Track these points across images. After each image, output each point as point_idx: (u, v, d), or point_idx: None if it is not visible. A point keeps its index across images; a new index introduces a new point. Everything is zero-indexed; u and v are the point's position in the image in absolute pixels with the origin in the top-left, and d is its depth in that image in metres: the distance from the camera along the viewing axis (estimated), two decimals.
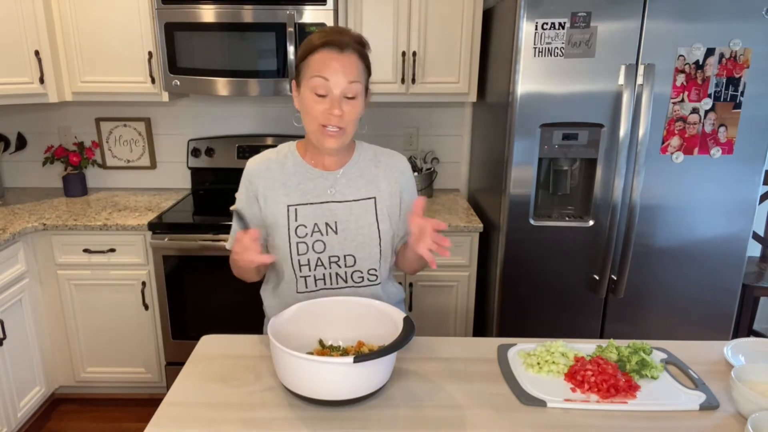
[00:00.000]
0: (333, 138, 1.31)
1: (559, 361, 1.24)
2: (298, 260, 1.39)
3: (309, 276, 1.40)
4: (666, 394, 1.17)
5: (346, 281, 1.42)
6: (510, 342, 1.37)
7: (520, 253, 2.16)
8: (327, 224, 1.39)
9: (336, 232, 1.39)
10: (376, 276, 1.43)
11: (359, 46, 1.31)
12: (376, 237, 1.41)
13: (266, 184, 1.40)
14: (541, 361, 1.25)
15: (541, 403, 1.13)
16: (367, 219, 1.41)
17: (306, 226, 1.39)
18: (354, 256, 1.40)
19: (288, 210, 1.39)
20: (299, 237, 1.38)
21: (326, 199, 1.40)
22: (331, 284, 1.42)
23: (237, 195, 1.45)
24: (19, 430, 2.40)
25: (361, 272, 1.42)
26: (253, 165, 1.43)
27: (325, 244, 1.39)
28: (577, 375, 1.20)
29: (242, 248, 1.22)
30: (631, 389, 1.17)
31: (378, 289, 1.45)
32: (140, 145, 2.96)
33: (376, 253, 1.41)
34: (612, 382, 1.16)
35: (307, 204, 1.39)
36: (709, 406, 1.13)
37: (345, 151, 1.43)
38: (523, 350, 1.32)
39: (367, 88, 1.36)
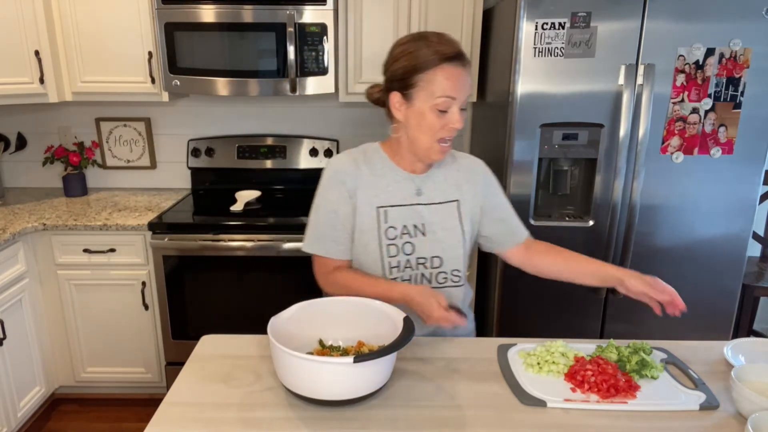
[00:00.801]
0: (446, 151, 1.34)
1: (559, 361, 1.24)
2: (389, 262, 1.39)
3: (397, 278, 1.41)
4: (666, 394, 1.17)
5: (430, 282, 1.43)
6: (510, 342, 1.37)
7: None
8: (415, 226, 1.40)
9: (424, 234, 1.40)
10: (459, 277, 1.45)
11: (466, 54, 1.31)
12: (460, 238, 1.42)
13: (358, 184, 1.39)
14: (541, 361, 1.25)
15: (541, 403, 1.13)
16: (451, 221, 1.42)
17: (395, 228, 1.39)
18: (440, 258, 1.41)
19: (378, 212, 1.39)
20: (389, 239, 1.39)
21: (413, 202, 1.41)
22: (415, 284, 1.42)
23: (324, 196, 1.41)
24: (19, 430, 2.40)
25: (446, 273, 1.43)
26: (342, 165, 1.41)
27: (413, 245, 1.40)
28: (577, 375, 1.20)
29: (446, 318, 1.24)
30: (631, 389, 1.17)
31: (460, 290, 1.47)
32: (140, 145, 2.96)
33: (460, 254, 1.43)
34: (612, 382, 1.16)
35: (396, 206, 1.40)
36: (709, 406, 1.13)
37: None
38: (523, 350, 1.32)
39: None
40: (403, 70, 1.29)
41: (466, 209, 1.44)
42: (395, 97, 1.33)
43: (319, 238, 1.42)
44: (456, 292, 1.46)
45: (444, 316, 1.25)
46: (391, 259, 1.39)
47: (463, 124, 1.31)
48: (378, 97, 1.43)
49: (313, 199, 1.44)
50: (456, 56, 1.26)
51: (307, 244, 1.44)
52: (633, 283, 1.32)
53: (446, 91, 1.26)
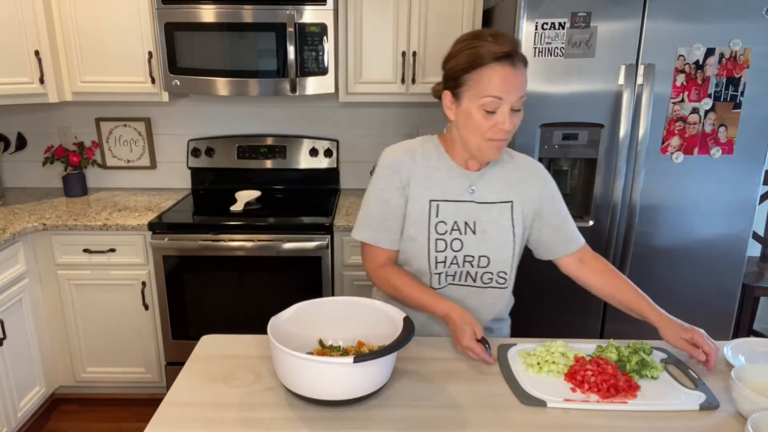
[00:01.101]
0: (497, 150, 1.30)
1: (559, 361, 1.24)
2: (436, 257, 1.38)
3: (442, 273, 1.40)
4: (666, 394, 1.17)
5: (474, 281, 1.42)
6: (510, 342, 1.37)
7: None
8: (466, 223, 1.38)
9: (474, 233, 1.38)
10: (505, 279, 1.43)
11: (522, 54, 1.25)
12: (510, 240, 1.40)
13: (412, 175, 1.38)
14: (541, 361, 1.25)
15: (542, 403, 1.13)
16: (503, 222, 1.40)
17: (446, 223, 1.38)
18: (488, 258, 1.39)
19: (430, 204, 1.38)
20: (438, 234, 1.38)
21: (466, 198, 1.39)
22: (459, 281, 1.42)
23: (377, 185, 1.40)
24: (19, 430, 2.40)
25: (491, 274, 1.41)
26: (397, 155, 1.40)
27: (462, 242, 1.38)
28: (577, 375, 1.20)
29: (473, 350, 1.26)
30: (631, 389, 1.17)
31: (504, 293, 1.45)
32: (140, 145, 2.96)
33: (509, 257, 1.41)
34: (612, 382, 1.16)
35: (448, 201, 1.38)
36: (709, 406, 1.13)
37: None
38: (523, 350, 1.32)
39: None
40: (453, 69, 1.29)
41: (519, 212, 1.41)
42: (447, 97, 1.33)
43: (370, 226, 1.41)
44: (499, 294, 1.44)
45: (472, 346, 1.25)
46: (438, 253, 1.38)
47: (516, 125, 1.27)
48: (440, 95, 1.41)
49: (367, 187, 1.44)
50: (505, 56, 1.21)
51: (357, 231, 1.43)
52: (668, 337, 1.29)
53: (492, 91, 1.23)
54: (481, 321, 1.46)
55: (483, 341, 1.26)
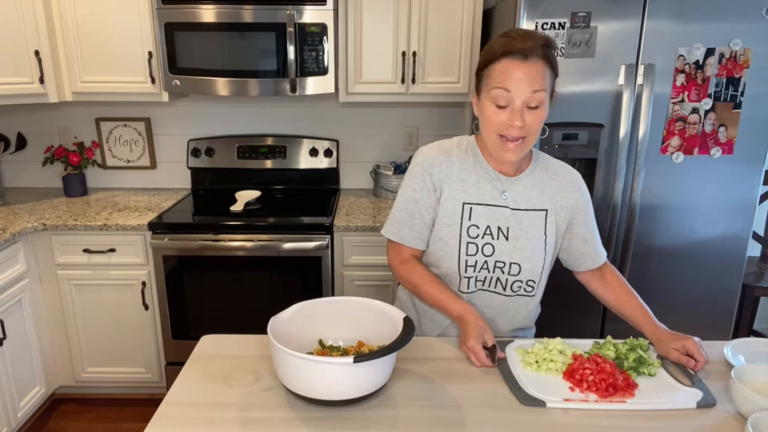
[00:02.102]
0: (512, 151, 1.27)
1: (557, 359, 1.24)
2: (466, 260, 1.37)
3: (472, 277, 1.39)
4: (664, 392, 1.17)
5: (504, 288, 1.40)
6: (507, 339, 1.37)
7: None
8: (499, 228, 1.36)
9: (507, 239, 1.37)
10: (533, 288, 1.41)
11: (546, 50, 1.24)
12: (542, 249, 1.38)
13: (446, 177, 1.37)
14: (540, 360, 1.25)
15: (541, 404, 1.13)
16: (536, 230, 1.38)
17: (478, 227, 1.36)
18: (519, 265, 1.37)
19: (463, 207, 1.36)
20: (470, 237, 1.36)
21: (500, 203, 1.37)
22: (488, 287, 1.41)
23: (409, 183, 1.40)
24: (19, 430, 2.40)
25: (521, 282, 1.40)
26: (432, 155, 1.38)
27: (494, 248, 1.37)
28: (575, 374, 1.20)
29: (475, 353, 1.25)
30: (629, 387, 1.17)
31: (530, 301, 1.43)
32: (140, 145, 2.96)
33: (540, 266, 1.39)
34: (611, 381, 1.16)
35: (482, 204, 1.36)
36: (707, 403, 1.13)
37: (523, 158, 1.37)
38: (521, 347, 1.32)
39: (553, 92, 1.30)
40: (478, 67, 1.31)
41: (553, 221, 1.39)
42: (474, 96, 1.34)
43: (397, 223, 1.42)
44: (524, 302, 1.43)
45: (476, 350, 1.24)
46: (468, 257, 1.37)
47: (532, 125, 1.25)
48: None
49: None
50: (519, 51, 1.21)
51: (386, 227, 1.45)
52: (660, 350, 1.29)
53: (499, 82, 1.22)
54: (504, 328, 1.46)
55: (492, 349, 1.26)
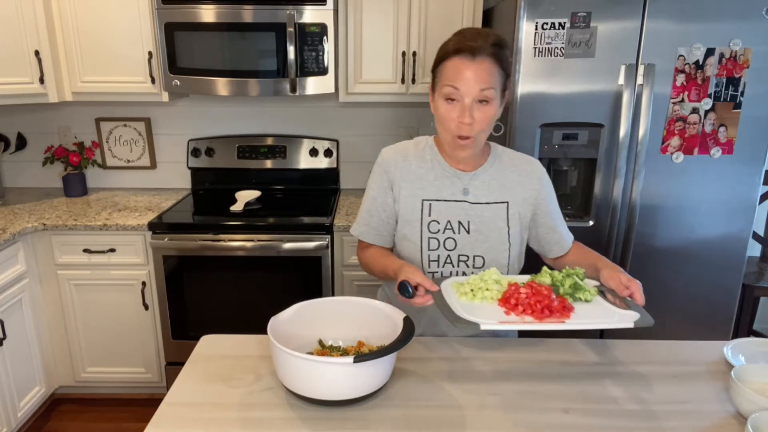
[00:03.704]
0: (464, 149, 1.32)
1: (492, 287, 1.22)
2: (428, 255, 1.40)
3: (437, 272, 1.41)
4: (600, 314, 1.16)
5: None
6: (444, 278, 1.33)
7: None
8: (459, 223, 1.40)
9: (468, 232, 1.40)
10: None
11: (495, 49, 1.26)
12: (505, 241, 1.41)
13: (403, 176, 1.42)
14: (475, 288, 1.22)
15: (475, 326, 1.09)
16: (498, 223, 1.41)
17: (439, 222, 1.40)
18: (483, 258, 1.40)
19: (422, 204, 1.40)
20: (431, 232, 1.40)
21: (460, 198, 1.41)
22: None
23: (369, 183, 1.47)
24: (19, 430, 2.40)
25: None
26: (390, 155, 1.44)
27: (456, 242, 1.40)
28: (510, 299, 1.18)
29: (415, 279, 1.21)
30: (565, 310, 1.15)
31: None
32: (140, 145, 2.96)
33: (504, 257, 1.41)
34: (546, 302, 1.15)
35: (441, 200, 1.40)
36: (644, 322, 1.11)
37: (480, 153, 1.42)
38: (456, 281, 1.28)
39: (505, 89, 1.33)
40: (432, 65, 1.34)
41: (516, 212, 1.42)
42: (430, 91, 1.37)
43: (361, 221, 1.49)
44: None
45: (420, 279, 1.20)
46: (431, 252, 1.40)
47: (481, 121, 1.27)
48: None
49: None
50: (469, 49, 1.24)
51: (353, 226, 1.51)
52: (605, 276, 1.26)
53: (449, 80, 1.26)
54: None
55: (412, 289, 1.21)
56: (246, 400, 1.14)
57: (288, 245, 2.35)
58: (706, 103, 2.03)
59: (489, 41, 1.26)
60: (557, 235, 1.47)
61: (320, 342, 1.27)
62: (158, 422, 1.08)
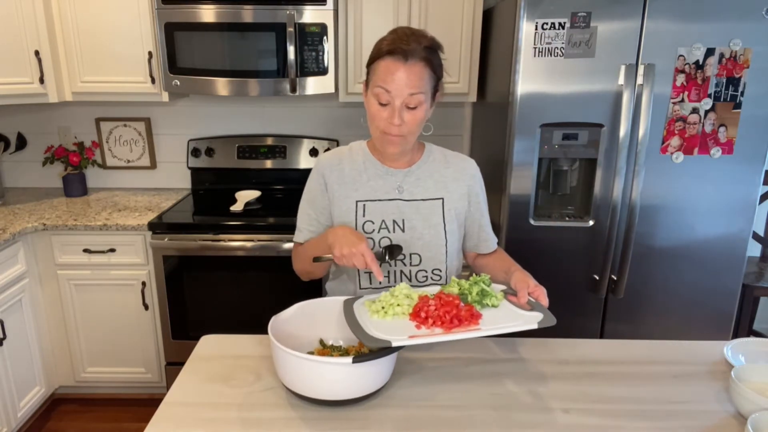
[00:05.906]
0: (393, 144, 1.34)
1: (403, 302, 1.22)
2: None
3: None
4: (506, 318, 1.18)
5: (410, 279, 1.43)
6: (356, 297, 1.32)
7: (520, 252, 2.15)
8: (394, 221, 1.41)
9: (403, 230, 1.41)
10: (440, 277, 1.44)
11: (427, 53, 1.27)
12: (442, 238, 1.42)
13: (337, 179, 1.43)
14: (386, 305, 1.22)
15: (386, 343, 1.08)
16: (433, 219, 1.42)
17: (373, 222, 1.41)
18: (420, 255, 1.42)
19: (356, 205, 1.41)
20: (366, 233, 1.41)
21: (394, 197, 1.42)
22: (395, 281, 1.43)
23: (307, 187, 1.48)
24: (19, 430, 2.40)
25: (426, 272, 1.43)
26: (325, 159, 1.46)
27: (391, 241, 1.41)
28: (420, 312, 1.18)
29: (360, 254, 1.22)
30: (473, 317, 1.17)
31: None
32: (140, 145, 2.96)
33: (441, 253, 1.43)
34: (454, 312, 1.16)
35: (375, 200, 1.41)
36: (547, 322, 1.14)
37: (414, 151, 1.44)
38: (368, 299, 1.28)
39: (436, 91, 1.34)
40: (367, 62, 1.34)
41: (451, 209, 1.44)
42: (363, 87, 1.37)
43: (300, 226, 1.50)
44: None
45: (365, 251, 1.22)
46: None
47: (411, 123, 1.29)
48: None
49: None
50: (401, 51, 1.24)
51: (296, 234, 1.51)
52: (515, 279, 1.29)
53: (380, 82, 1.27)
54: None
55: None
56: (246, 400, 1.15)
57: (288, 245, 2.35)
58: (706, 103, 2.03)
59: (422, 44, 1.26)
60: (485, 233, 1.51)
61: (321, 342, 1.27)
62: (158, 422, 1.08)
